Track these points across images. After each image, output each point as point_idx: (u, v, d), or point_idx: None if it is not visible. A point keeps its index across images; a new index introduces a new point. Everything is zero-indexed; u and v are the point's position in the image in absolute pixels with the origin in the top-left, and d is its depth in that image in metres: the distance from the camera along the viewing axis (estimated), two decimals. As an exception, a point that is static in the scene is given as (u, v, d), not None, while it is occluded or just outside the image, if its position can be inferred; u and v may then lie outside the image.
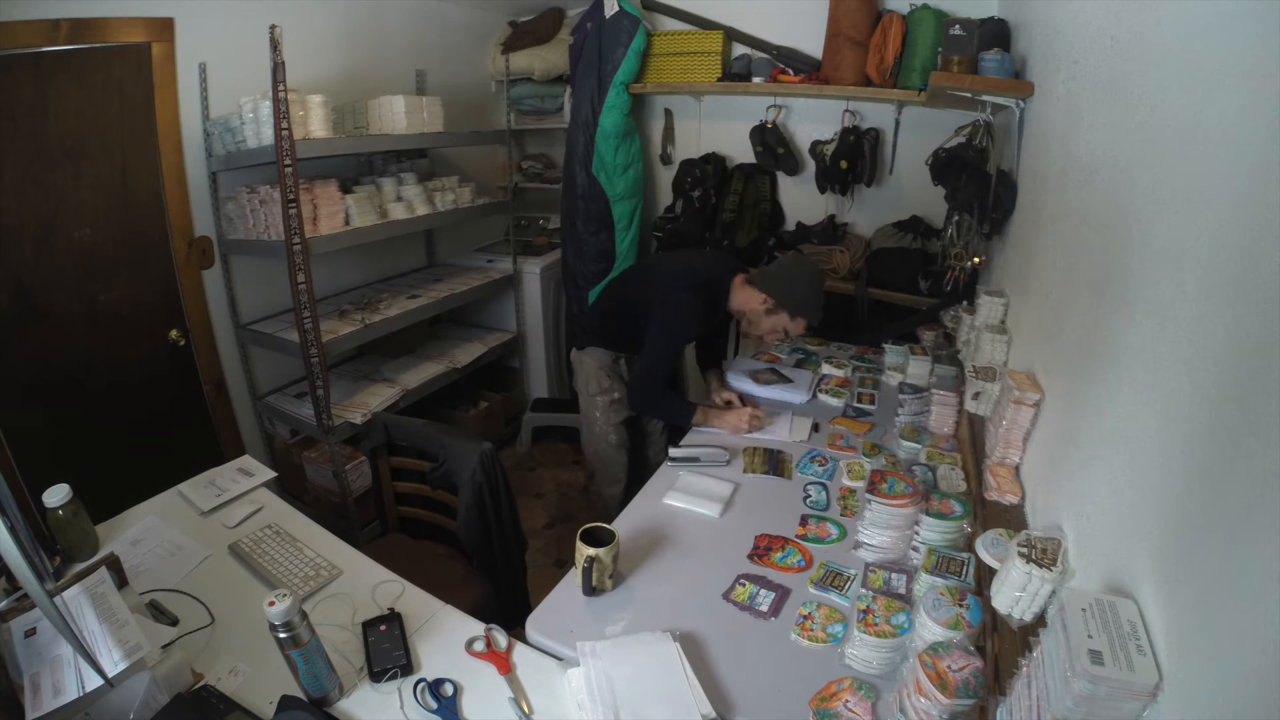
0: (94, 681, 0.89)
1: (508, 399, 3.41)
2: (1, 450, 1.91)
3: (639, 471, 2.22)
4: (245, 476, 1.63)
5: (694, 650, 1.09)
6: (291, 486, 2.68)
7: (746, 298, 1.93)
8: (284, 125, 1.91)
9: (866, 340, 2.49)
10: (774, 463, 1.67)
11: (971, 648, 0.93)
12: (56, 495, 1.28)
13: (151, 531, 1.43)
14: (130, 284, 2.26)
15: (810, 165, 2.70)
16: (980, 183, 1.76)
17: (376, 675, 1.06)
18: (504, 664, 1.09)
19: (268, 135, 2.10)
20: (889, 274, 2.48)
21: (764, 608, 1.20)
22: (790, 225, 2.90)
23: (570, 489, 3.07)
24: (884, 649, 1.04)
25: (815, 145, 2.63)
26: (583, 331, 2.25)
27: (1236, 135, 0.60)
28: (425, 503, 1.84)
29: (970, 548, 1.13)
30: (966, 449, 1.54)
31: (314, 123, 2.20)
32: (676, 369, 2.28)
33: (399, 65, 3.02)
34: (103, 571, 1.09)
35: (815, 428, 1.88)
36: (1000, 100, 1.69)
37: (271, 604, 0.93)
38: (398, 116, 2.51)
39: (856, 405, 1.99)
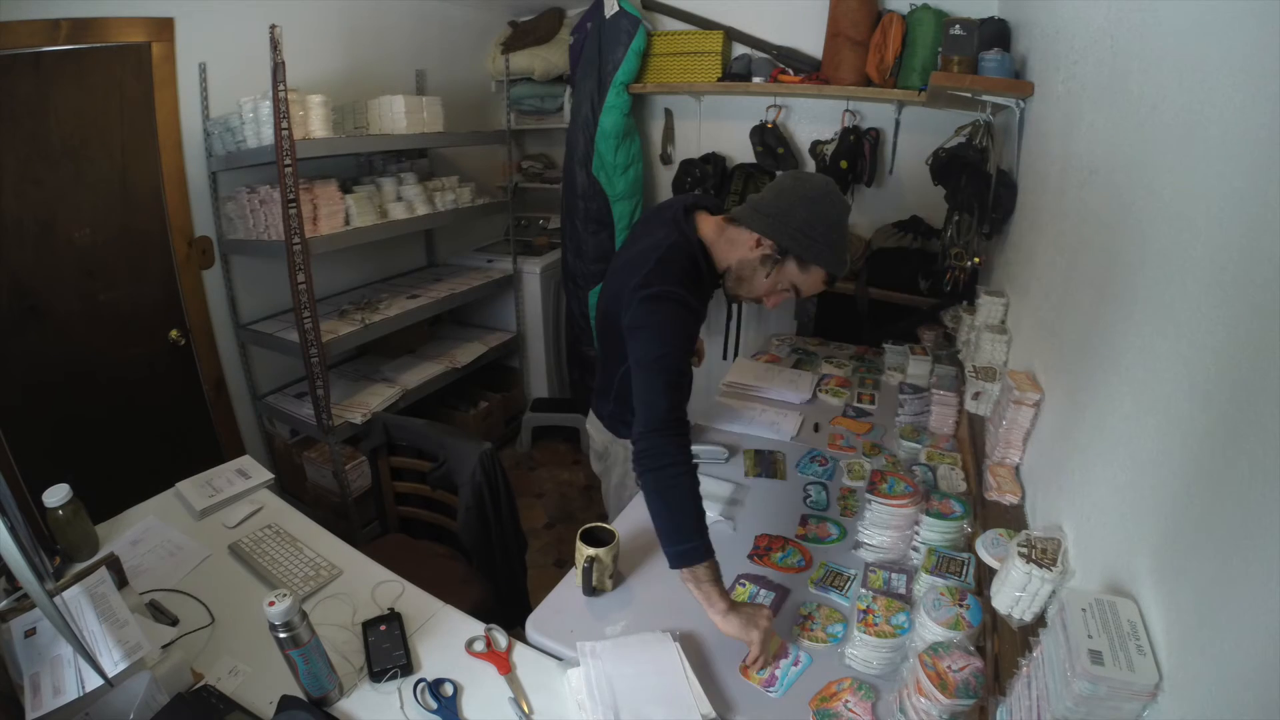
0: (94, 681, 0.89)
1: (508, 399, 3.41)
2: (1, 450, 1.91)
3: None
4: (242, 478, 1.62)
5: (694, 650, 1.09)
6: (291, 486, 2.68)
7: (731, 244, 1.32)
8: (284, 125, 1.91)
9: (866, 340, 2.49)
10: (766, 464, 1.67)
11: (971, 648, 0.93)
12: (56, 495, 1.28)
13: (151, 531, 1.43)
14: (130, 284, 2.26)
15: (810, 165, 2.70)
16: (980, 183, 1.76)
17: (376, 675, 1.06)
18: (504, 664, 1.09)
19: (268, 135, 2.10)
20: (889, 274, 2.48)
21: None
22: (790, 225, 2.89)
23: (570, 489, 3.07)
24: (884, 649, 1.04)
25: (815, 145, 2.63)
26: (615, 418, 1.59)
27: (1236, 135, 0.60)
28: (425, 503, 1.84)
29: (970, 548, 1.13)
30: (966, 449, 1.54)
31: (314, 123, 2.20)
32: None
33: (399, 65, 3.02)
34: (103, 571, 1.09)
35: (815, 428, 1.88)
36: (1000, 100, 1.69)
37: (271, 604, 0.93)
38: (398, 116, 2.51)
39: (856, 405, 1.99)
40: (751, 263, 1.30)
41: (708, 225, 1.35)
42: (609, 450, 1.63)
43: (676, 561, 1.09)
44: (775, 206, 1.26)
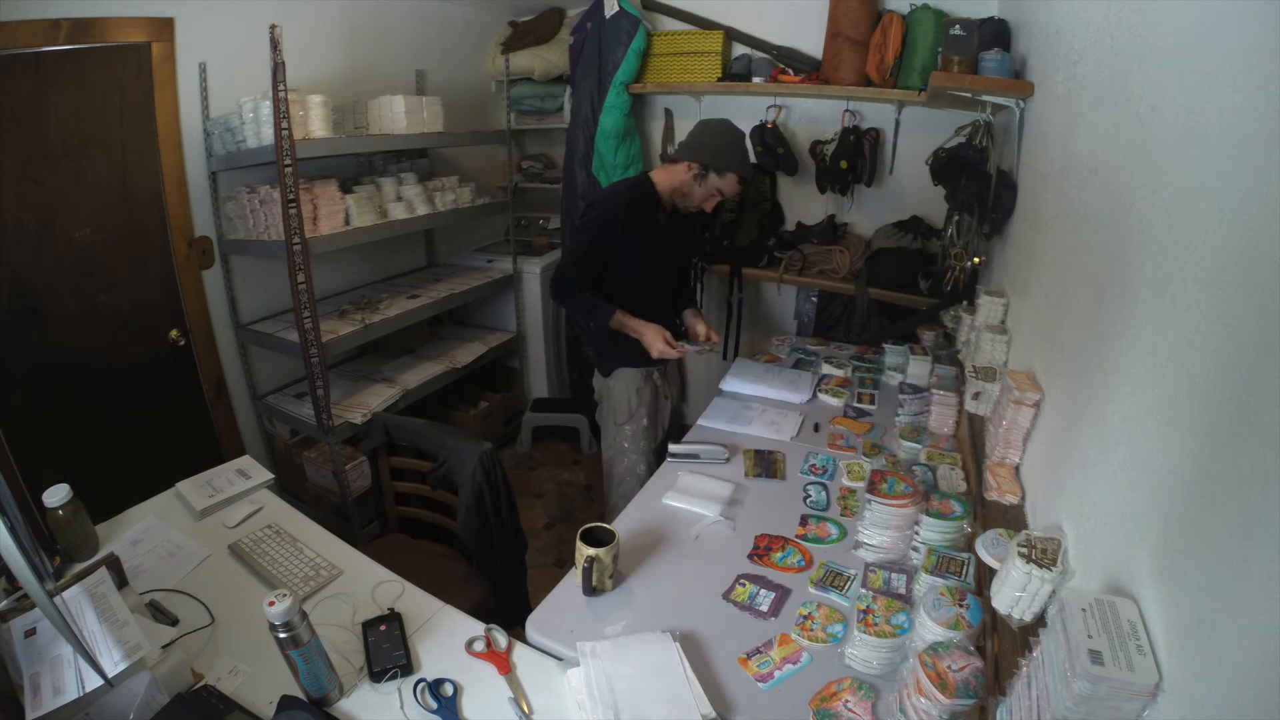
0: (94, 681, 0.89)
1: (508, 399, 3.41)
2: (1, 450, 1.91)
3: None
4: (242, 478, 1.62)
5: (694, 650, 1.09)
6: (291, 486, 2.68)
7: (671, 174, 1.89)
8: (284, 125, 1.91)
9: (866, 340, 2.49)
10: (766, 464, 1.67)
11: (971, 648, 0.93)
12: (56, 495, 1.28)
13: (151, 531, 1.43)
14: (130, 284, 2.26)
15: (810, 165, 2.70)
16: (980, 183, 1.76)
17: (376, 675, 1.06)
18: (504, 664, 1.09)
19: (268, 135, 2.10)
20: (889, 274, 2.48)
21: (764, 608, 1.20)
22: (790, 225, 2.90)
23: (570, 489, 3.07)
24: (884, 649, 1.04)
25: (815, 145, 2.63)
26: (601, 356, 2.09)
27: (1236, 135, 0.60)
28: (425, 503, 1.84)
29: (970, 548, 1.13)
30: (966, 449, 1.54)
31: (314, 123, 2.20)
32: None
33: (399, 65, 3.02)
34: (103, 571, 1.09)
35: (815, 428, 1.88)
36: (1000, 100, 1.68)
37: (271, 604, 0.93)
38: (398, 116, 2.51)
39: (856, 405, 1.99)
40: (688, 181, 1.87)
41: (656, 170, 1.97)
42: (604, 389, 2.09)
43: (606, 322, 1.85)
44: (693, 142, 1.89)
